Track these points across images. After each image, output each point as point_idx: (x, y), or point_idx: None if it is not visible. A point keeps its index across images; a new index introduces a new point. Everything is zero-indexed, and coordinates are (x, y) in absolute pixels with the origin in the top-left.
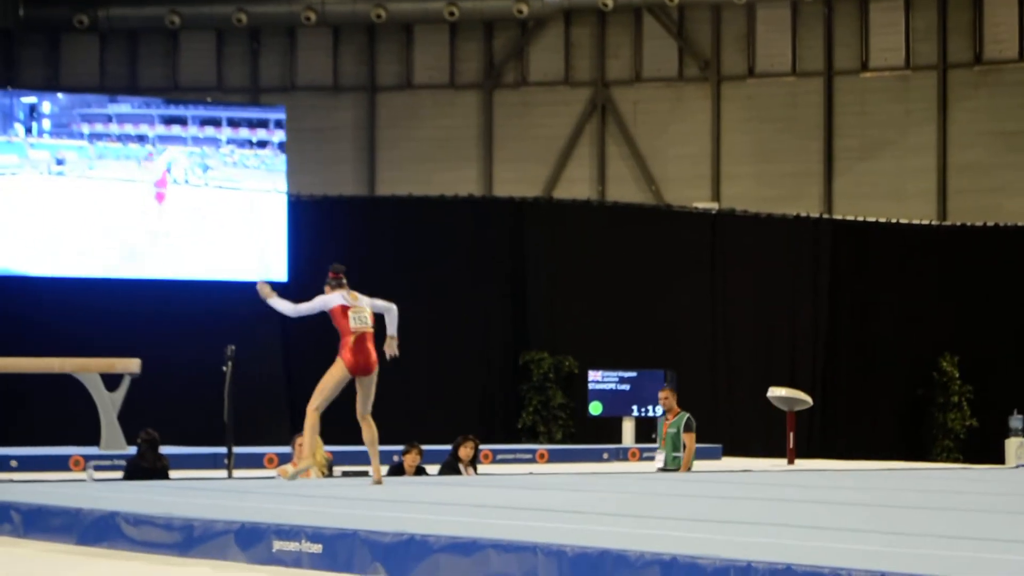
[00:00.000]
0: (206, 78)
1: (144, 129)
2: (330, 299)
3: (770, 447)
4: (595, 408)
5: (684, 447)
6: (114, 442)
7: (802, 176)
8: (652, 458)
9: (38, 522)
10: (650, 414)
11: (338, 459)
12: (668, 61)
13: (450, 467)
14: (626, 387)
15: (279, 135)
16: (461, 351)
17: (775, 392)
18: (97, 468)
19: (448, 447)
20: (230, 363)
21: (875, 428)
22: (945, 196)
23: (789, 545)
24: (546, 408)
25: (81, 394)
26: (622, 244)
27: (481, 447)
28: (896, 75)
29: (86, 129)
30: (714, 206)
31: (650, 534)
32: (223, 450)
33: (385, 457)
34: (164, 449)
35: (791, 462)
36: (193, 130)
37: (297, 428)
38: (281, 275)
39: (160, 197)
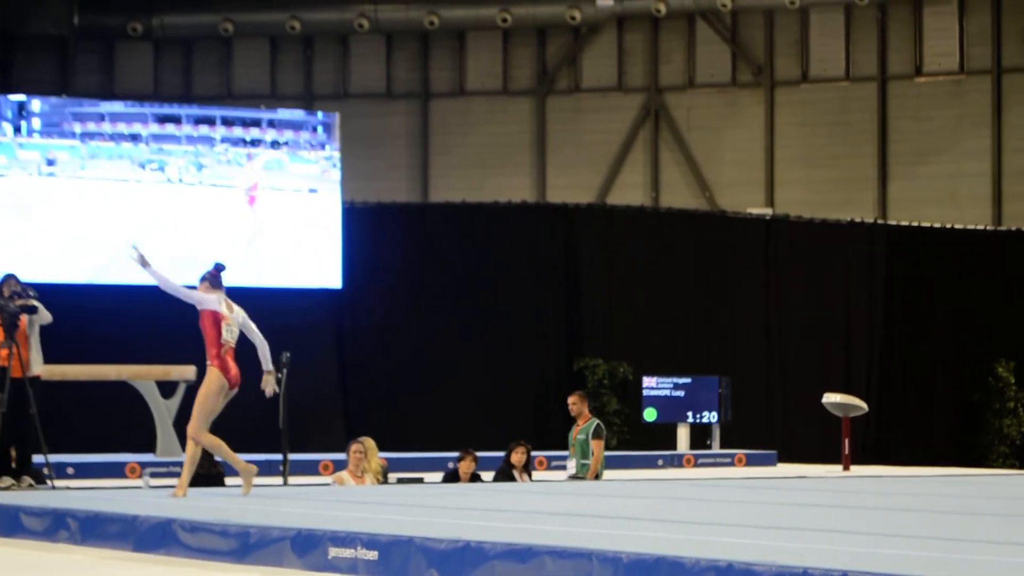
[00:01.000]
0: (260, 86)
1: (137, 128)
2: (206, 300)
3: (825, 453)
4: (650, 414)
5: (592, 454)
6: (170, 449)
7: (856, 181)
8: (710, 464)
9: (95, 529)
10: (705, 420)
11: (393, 466)
12: (721, 67)
13: (504, 474)
14: (680, 393)
15: (328, 141)
16: (515, 357)
17: (830, 398)
18: (153, 475)
19: (503, 454)
20: (285, 370)
21: (930, 434)
22: (1000, 201)
23: (844, 551)
24: (600, 414)
25: (137, 401)
26: (676, 250)
27: (535, 454)
28: (950, 79)
29: (78, 128)
30: (768, 212)
31: (705, 540)
32: (278, 457)
33: (440, 464)
34: (217, 456)
35: (846, 468)
36: (187, 129)
37: (354, 434)
38: (335, 282)
39: (251, 200)
